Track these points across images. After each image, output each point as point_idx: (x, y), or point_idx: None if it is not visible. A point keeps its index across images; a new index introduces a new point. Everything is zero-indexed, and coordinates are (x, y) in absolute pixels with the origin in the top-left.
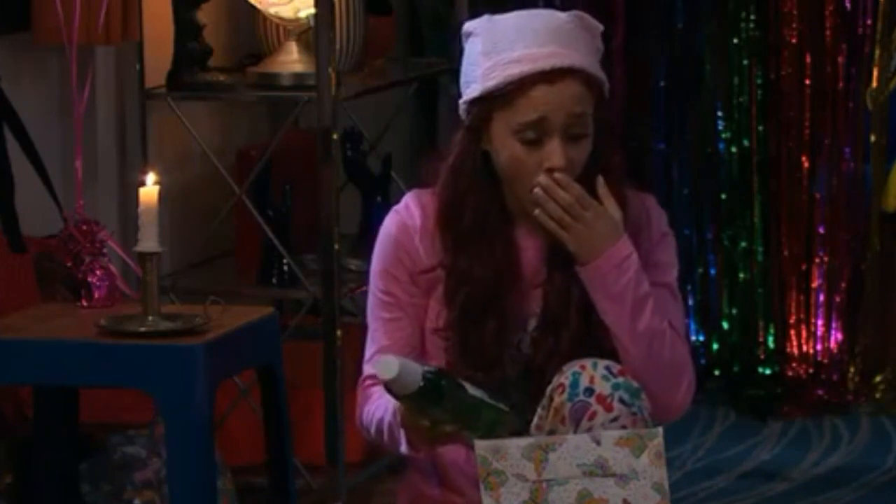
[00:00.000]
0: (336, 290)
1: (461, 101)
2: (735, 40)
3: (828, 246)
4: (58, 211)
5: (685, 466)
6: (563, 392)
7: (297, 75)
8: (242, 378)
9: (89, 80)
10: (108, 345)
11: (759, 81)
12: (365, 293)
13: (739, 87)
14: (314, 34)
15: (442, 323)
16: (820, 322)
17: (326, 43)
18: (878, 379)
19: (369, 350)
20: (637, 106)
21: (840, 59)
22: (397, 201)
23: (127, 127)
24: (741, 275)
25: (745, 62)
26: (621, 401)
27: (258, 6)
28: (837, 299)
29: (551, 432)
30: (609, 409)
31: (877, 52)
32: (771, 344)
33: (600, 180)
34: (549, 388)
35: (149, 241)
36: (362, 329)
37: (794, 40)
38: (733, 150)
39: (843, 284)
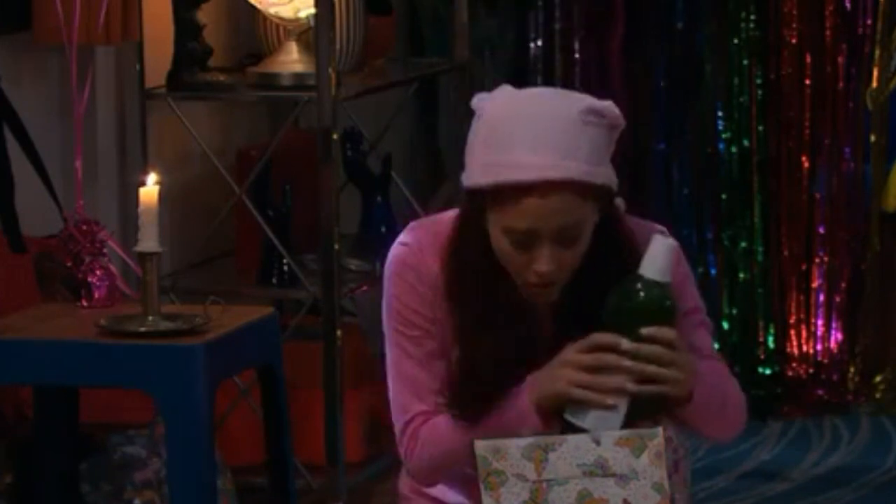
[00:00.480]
0: (336, 290)
1: (462, 176)
2: (735, 40)
3: (828, 246)
4: (58, 211)
5: None
6: None
7: (297, 75)
8: (242, 378)
9: (89, 80)
10: (108, 345)
11: (759, 81)
12: (365, 293)
13: (739, 87)
14: (314, 34)
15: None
16: (820, 322)
17: (326, 43)
18: (878, 379)
19: (409, 396)
20: (637, 106)
21: (840, 59)
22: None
23: (127, 127)
24: (741, 275)
25: (745, 62)
26: None
27: (258, 6)
28: (837, 299)
29: None
30: None
31: (877, 52)
32: (771, 344)
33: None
34: None
35: (149, 241)
36: (362, 330)
37: (794, 40)
38: (733, 150)
39: (843, 284)
